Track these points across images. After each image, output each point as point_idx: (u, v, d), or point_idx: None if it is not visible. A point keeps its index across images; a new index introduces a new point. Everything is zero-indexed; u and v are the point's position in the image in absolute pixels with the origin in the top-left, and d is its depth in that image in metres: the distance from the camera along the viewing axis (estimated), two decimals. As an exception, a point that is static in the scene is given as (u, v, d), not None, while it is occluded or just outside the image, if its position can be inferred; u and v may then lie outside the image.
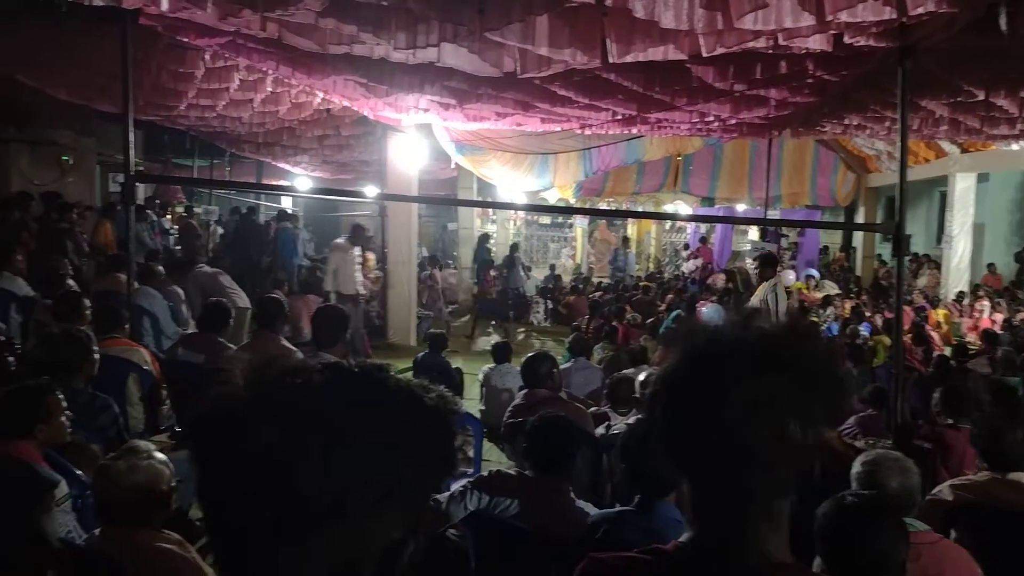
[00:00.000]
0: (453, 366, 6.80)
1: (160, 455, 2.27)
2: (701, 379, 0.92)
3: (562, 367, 5.56)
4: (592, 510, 2.64)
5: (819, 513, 2.15)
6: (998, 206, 14.05)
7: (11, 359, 4.00)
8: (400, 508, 0.71)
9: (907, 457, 2.86)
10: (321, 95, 7.42)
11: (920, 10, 2.98)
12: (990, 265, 13.34)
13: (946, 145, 11.39)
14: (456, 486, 2.79)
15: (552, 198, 15.56)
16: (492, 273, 13.62)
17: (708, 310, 9.91)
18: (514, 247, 14.04)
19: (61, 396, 2.72)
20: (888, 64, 4.24)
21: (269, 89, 7.45)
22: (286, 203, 17.12)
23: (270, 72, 6.44)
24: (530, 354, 4.36)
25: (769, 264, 7.18)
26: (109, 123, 9.89)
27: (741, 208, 16.52)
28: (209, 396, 0.73)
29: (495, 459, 5.65)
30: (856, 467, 2.82)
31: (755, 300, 6.97)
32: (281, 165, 13.16)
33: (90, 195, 11.51)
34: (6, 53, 6.53)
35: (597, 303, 11.88)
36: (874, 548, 2.02)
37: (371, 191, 10.30)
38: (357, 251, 8.65)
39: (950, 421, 4.28)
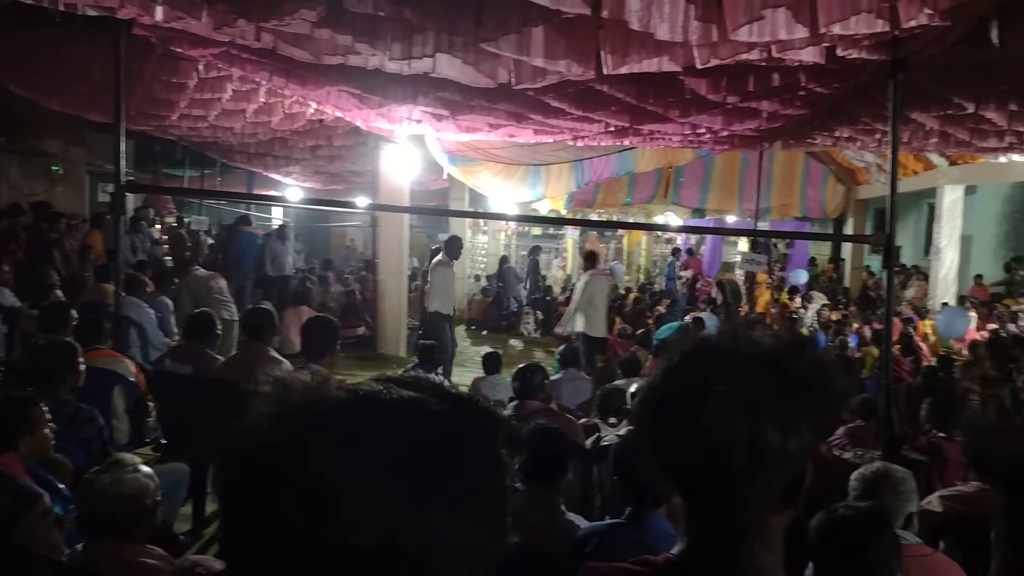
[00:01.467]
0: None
1: (145, 468, 2.22)
2: (684, 383, 0.92)
3: (552, 378, 5.55)
4: (582, 522, 2.61)
5: (812, 524, 2.13)
6: (986, 218, 14.16)
7: (-4, 370, 3.94)
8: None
9: (900, 467, 2.85)
10: (314, 106, 7.40)
11: (913, 23, 2.99)
12: (977, 277, 13.42)
13: (934, 158, 11.47)
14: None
15: (544, 209, 15.57)
16: (484, 285, 13.63)
17: (706, 318, 9.93)
18: (503, 259, 14.04)
19: (45, 408, 2.67)
20: (879, 77, 4.26)
21: (262, 100, 7.42)
22: (277, 214, 17.04)
23: (263, 83, 6.42)
24: (521, 365, 4.33)
25: (589, 259, 8.76)
26: (99, 133, 9.84)
27: (731, 220, 16.58)
28: (250, 416, 0.61)
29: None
30: (853, 479, 2.81)
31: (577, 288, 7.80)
32: (273, 175, 13.12)
33: (80, 205, 11.44)
34: (-1, 63, 6.49)
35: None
36: (867, 560, 2.00)
37: (363, 202, 10.28)
38: (455, 266, 8.43)
39: (942, 434, 4.27)
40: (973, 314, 11.58)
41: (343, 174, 12.67)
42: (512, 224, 19.97)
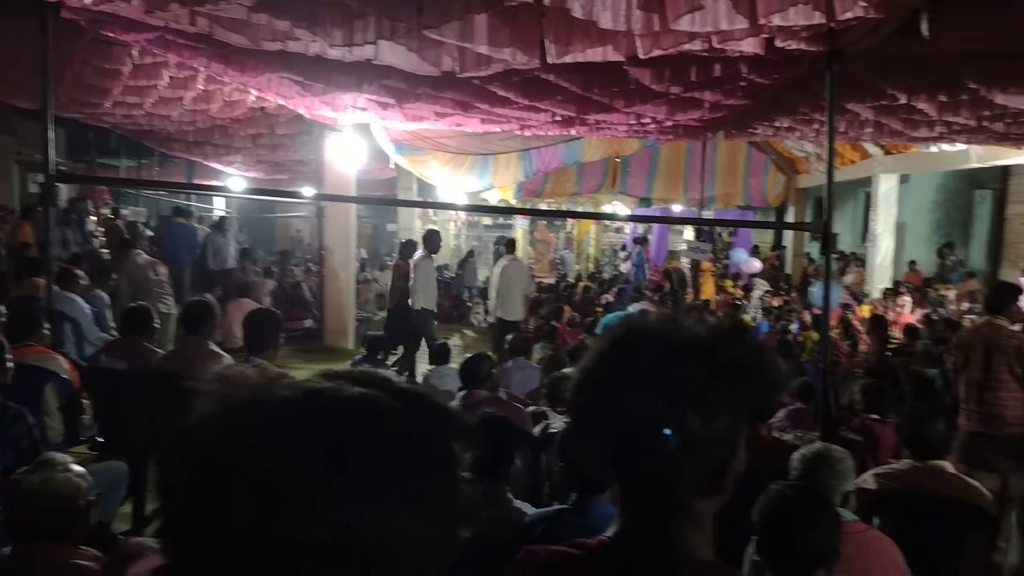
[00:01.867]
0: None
1: (77, 467, 2.14)
2: (610, 368, 0.93)
3: (502, 367, 5.56)
4: (530, 510, 2.62)
5: (757, 504, 2.18)
6: (919, 206, 14.70)
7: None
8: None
9: (839, 447, 2.95)
10: (255, 93, 7.22)
11: (848, 15, 3.07)
12: (911, 263, 13.93)
13: (870, 147, 11.84)
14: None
15: (493, 199, 15.56)
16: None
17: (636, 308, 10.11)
18: (471, 253, 14.09)
19: (-30, 407, 2.55)
20: (817, 68, 4.36)
21: (200, 87, 7.20)
22: (220, 205, 16.62)
23: (201, 69, 6.22)
24: (469, 355, 4.33)
25: (508, 246, 9.01)
26: (28, 120, 9.42)
27: (677, 208, 16.84)
28: (196, 413, 0.60)
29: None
30: (794, 459, 2.89)
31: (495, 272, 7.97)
32: (213, 165, 12.78)
33: (8, 196, 10.96)
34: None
35: (538, 303, 11.92)
36: (811, 538, 2.06)
37: (308, 192, 10.10)
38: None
39: (875, 416, 4.44)
40: (907, 298, 12.02)
41: (287, 163, 12.43)
42: (462, 214, 19.91)
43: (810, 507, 2.07)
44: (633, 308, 10.37)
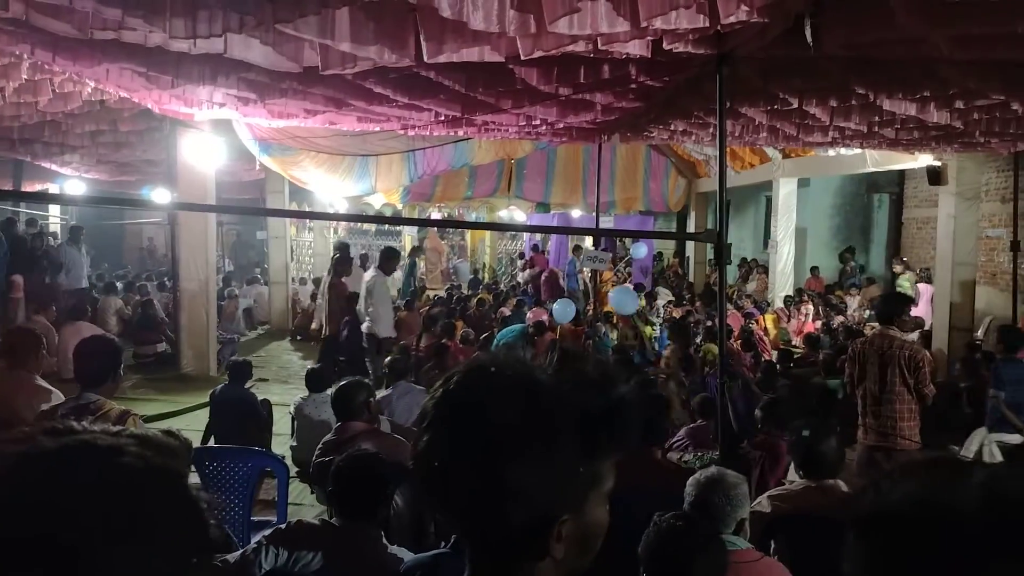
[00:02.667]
0: (261, 398, 6.49)
1: None
2: (434, 414, 0.96)
3: (380, 394, 5.49)
4: (407, 555, 2.60)
5: (644, 537, 2.25)
6: (818, 210, 15.69)
7: None
8: None
9: (733, 472, 3.08)
10: (92, 84, 6.84)
11: (732, 19, 3.23)
12: (813, 268, 14.80)
13: (770, 151, 12.54)
14: (254, 541, 2.65)
15: (377, 204, 15.40)
16: (313, 290, 13.27)
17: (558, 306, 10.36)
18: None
19: None
20: (707, 71, 4.58)
21: (24, 76, 6.75)
22: (54, 211, 15.62)
23: (25, 56, 5.84)
24: (342, 382, 4.25)
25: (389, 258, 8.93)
26: None
27: (576, 214, 17.22)
28: None
29: (309, 502, 5.46)
30: (688, 485, 3.00)
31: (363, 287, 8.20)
32: (46, 165, 12.01)
33: None
34: None
35: (432, 318, 11.85)
36: (692, 570, 2.14)
37: (160, 195, 9.68)
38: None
39: (778, 431, 4.68)
40: (810, 306, 12.77)
41: (134, 163, 11.86)
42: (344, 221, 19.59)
43: (695, 539, 2.15)
44: (530, 319, 10.52)
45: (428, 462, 0.93)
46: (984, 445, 6.08)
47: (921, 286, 11.82)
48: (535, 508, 0.90)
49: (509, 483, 0.89)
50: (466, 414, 0.94)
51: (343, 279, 9.25)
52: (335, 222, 18.92)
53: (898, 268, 12.97)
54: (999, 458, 5.74)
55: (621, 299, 10.19)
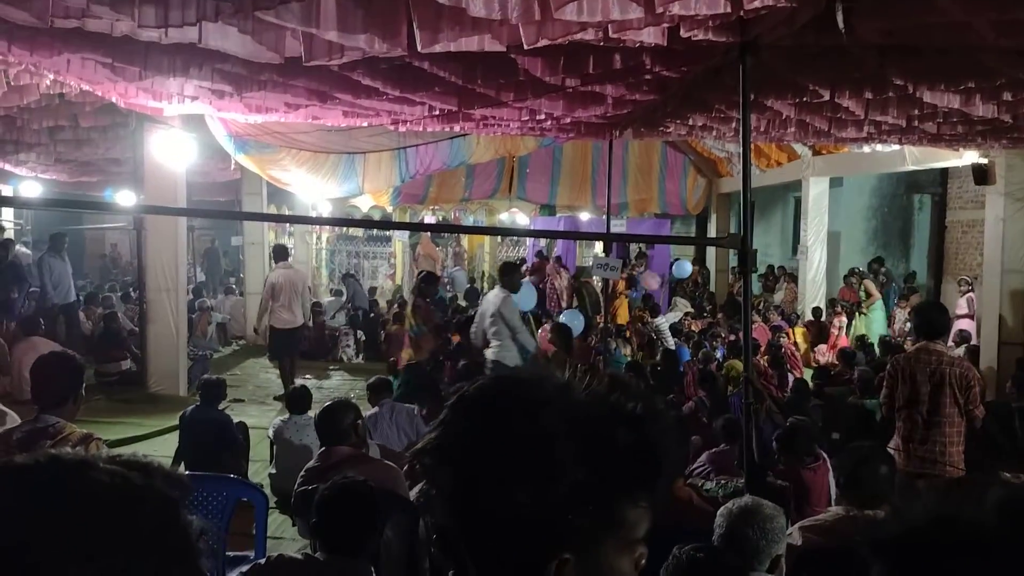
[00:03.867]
0: (236, 420, 6.51)
1: None
2: (448, 424, 1.00)
3: (367, 414, 5.51)
4: (400, 594, 2.62)
5: (662, 570, 2.27)
6: (853, 212, 15.70)
7: None
8: None
9: (771, 503, 3.09)
10: (51, 76, 6.88)
11: (756, 3, 3.27)
12: (847, 277, 14.78)
13: (799, 148, 12.60)
14: (231, 579, 2.67)
15: (365, 206, 15.46)
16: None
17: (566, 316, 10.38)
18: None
19: None
20: (730, 60, 4.61)
21: (-24, 67, 6.81)
22: (7, 215, 15.67)
23: (-24, 45, 5.88)
24: (327, 403, 4.27)
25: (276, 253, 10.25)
26: None
27: (584, 217, 17.27)
28: None
29: (290, 536, 5.47)
30: (719, 515, 3.01)
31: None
32: (-1, 165, 12.08)
33: None
34: None
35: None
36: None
37: (125, 198, 9.72)
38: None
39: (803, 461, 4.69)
40: (843, 318, 12.77)
41: (97, 163, 11.91)
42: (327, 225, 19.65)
43: (719, 574, 2.17)
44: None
45: (427, 459, 0.99)
46: None
47: (963, 298, 11.81)
48: (528, 533, 0.92)
49: (503, 495, 0.92)
50: (474, 415, 0.98)
51: (428, 299, 9.57)
52: (319, 227, 18.97)
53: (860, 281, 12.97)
54: None
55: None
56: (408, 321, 9.41)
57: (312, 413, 5.94)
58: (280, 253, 10.63)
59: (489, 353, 7.86)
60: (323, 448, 4.17)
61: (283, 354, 10.19)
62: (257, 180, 12.68)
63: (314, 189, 11.86)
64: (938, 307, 5.90)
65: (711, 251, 17.71)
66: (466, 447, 0.96)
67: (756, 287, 15.68)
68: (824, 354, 12.13)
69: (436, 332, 9.55)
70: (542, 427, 0.94)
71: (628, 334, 12.42)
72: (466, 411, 1.00)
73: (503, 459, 0.93)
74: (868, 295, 12.99)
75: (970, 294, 11.77)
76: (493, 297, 8.08)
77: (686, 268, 14.88)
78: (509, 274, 8.28)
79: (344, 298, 15.86)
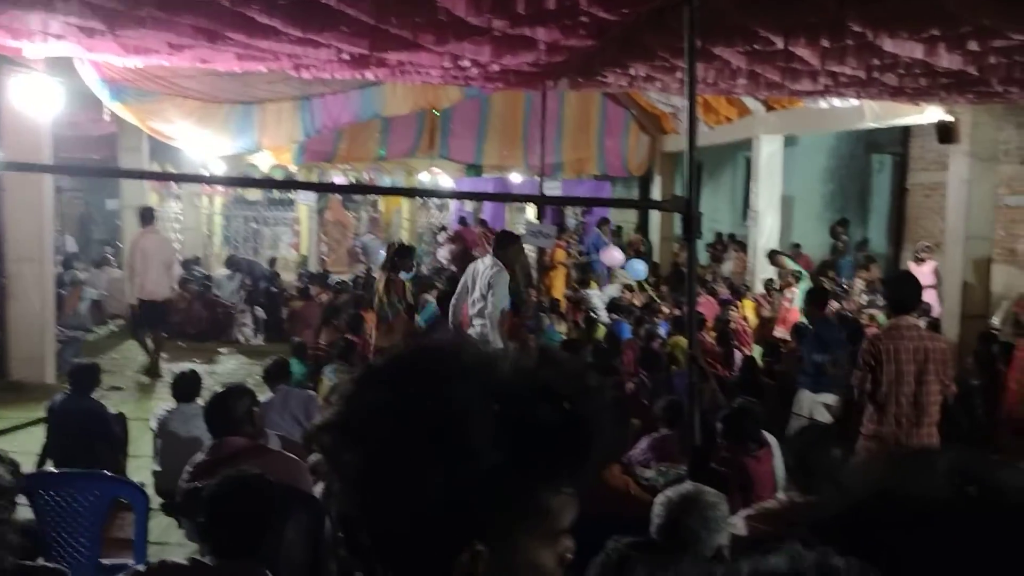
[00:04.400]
0: (114, 411, 6.37)
1: None
2: (354, 397, 1.02)
3: (262, 400, 5.45)
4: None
5: (591, 567, 2.30)
6: (808, 175, 16.07)
7: None
8: None
9: (713, 490, 3.16)
10: None
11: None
12: (795, 245, 15.07)
13: (750, 102, 12.78)
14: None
15: (265, 165, 15.17)
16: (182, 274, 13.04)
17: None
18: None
19: None
20: (675, 3, 4.63)
21: None
22: None
23: None
24: (218, 390, 4.21)
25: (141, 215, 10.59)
26: None
27: (516, 178, 17.30)
28: None
29: (176, 540, 5.40)
30: (658, 503, 3.07)
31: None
32: None
33: None
34: None
35: (334, 309, 11.79)
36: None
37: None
38: None
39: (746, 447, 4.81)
40: (796, 290, 13.07)
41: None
42: (221, 187, 19.24)
43: (653, 570, 2.20)
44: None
45: (327, 437, 0.99)
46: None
47: (924, 266, 12.16)
48: (438, 521, 0.91)
49: (410, 478, 0.91)
50: (382, 388, 0.97)
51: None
52: (211, 189, 18.56)
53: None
54: None
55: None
56: (380, 299, 9.15)
57: (203, 401, 5.86)
58: (146, 216, 10.87)
59: (472, 332, 7.69)
60: (214, 440, 4.11)
61: (146, 328, 10.64)
62: (137, 134, 12.38)
63: (204, 144, 11.59)
64: (910, 278, 6.04)
65: (654, 218, 17.92)
66: (372, 424, 0.95)
67: (703, 257, 15.95)
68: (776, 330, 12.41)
69: (412, 313, 9.49)
70: (457, 402, 0.93)
71: (564, 309, 12.51)
72: (374, 383, 0.99)
73: (412, 437, 0.92)
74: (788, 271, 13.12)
75: (931, 262, 12.11)
76: (484, 268, 7.85)
77: (639, 270, 14.72)
78: (507, 245, 8.02)
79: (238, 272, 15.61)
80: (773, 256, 12.57)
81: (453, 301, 8.13)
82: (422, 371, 0.98)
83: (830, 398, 7.38)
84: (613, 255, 15.03)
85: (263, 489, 2.73)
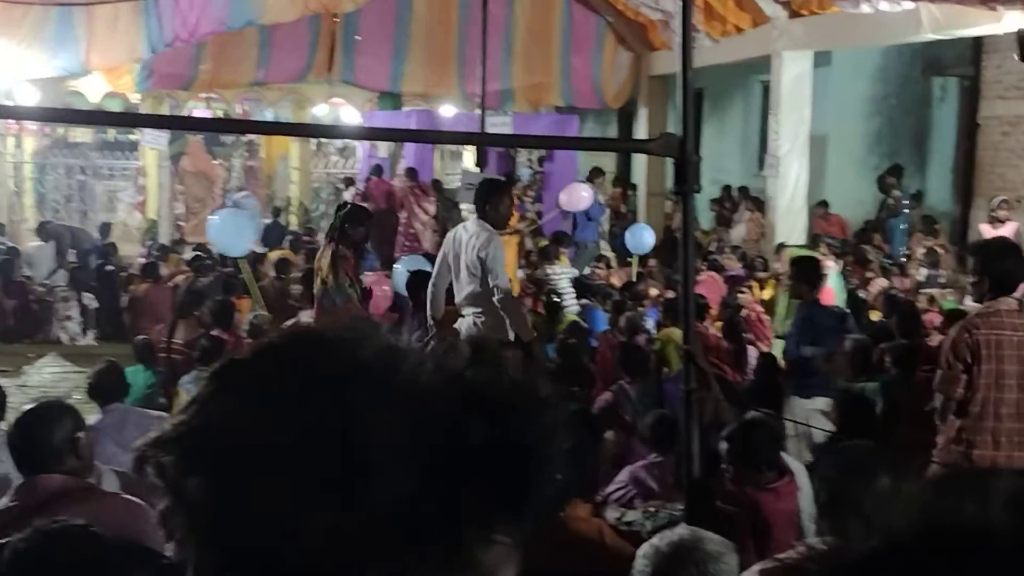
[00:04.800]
0: None
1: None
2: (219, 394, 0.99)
3: (90, 422, 5.41)
4: None
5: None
6: (846, 106, 16.14)
7: None
8: None
9: (716, 536, 3.19)
10: None
11: None
12: (822, 204, 15.12)
13: (769, 5, 12.84)
14: None
15: (95, 94, 15.02)
16: None
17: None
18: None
19: None
20: None
21: None
22: None
23: None
24: (26, 408, 4.16)
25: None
26: None
27: (448, 112, 17.23)
28: None
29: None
30: (641, 556, 3.09)
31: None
32: None
33: None
34: None
35: (194, 294, 11.71)
36: None
37: None
38: None
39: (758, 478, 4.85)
40: (831, 264, 13.24)
41: None
42: (33, 124, 18.95)
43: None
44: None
45: (166, 453, 0.94)
46: None
47: (1002, 228, 12.34)
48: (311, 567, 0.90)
49: (277, 516, 0.89)
50: (247, 389, 0.96)
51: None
52: (17, 126, 18.27)
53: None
54: None
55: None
56: (324, 280, 8.84)
57: (7, 426, 5.81)
58: None
59: (463, 325, 7.64)
60: (24, 479, 4.07)
61: None
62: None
63: (7, 63, 11.44)
64: (1012, 247, 6.00)
65: (639, 166, 17.96)
66: (228, 435, 0.93)
67: (705, 219, 16.02)
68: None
69: (366, 297, 9.32)
70: (348, 409, 0.91)
71: (516, 292, 12.54)
72: (235, 382, 0.97)
73: (284, 457, 0.90)
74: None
75: (1012, 223, 12.20)
76: (468, 237, 7.61)
77: (646, 239, 14.09)
78: (495, 199, 7.75)
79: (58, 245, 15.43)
80: (781, 252, 12.68)
81: (432, 283, 7.99)
82: (304, 366, 0.95)
83: (824, 404, 7.36)
84: (578, 194, 14.65)
85: (91, 546, 2.71)
